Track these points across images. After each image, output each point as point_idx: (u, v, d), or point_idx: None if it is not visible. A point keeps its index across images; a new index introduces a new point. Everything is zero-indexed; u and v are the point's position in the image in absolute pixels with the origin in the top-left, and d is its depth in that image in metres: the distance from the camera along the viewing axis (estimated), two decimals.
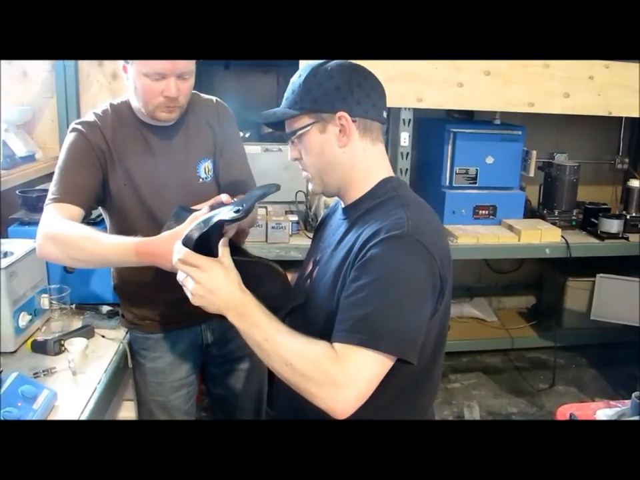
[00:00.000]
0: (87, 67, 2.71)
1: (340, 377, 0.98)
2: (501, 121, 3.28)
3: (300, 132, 1.12)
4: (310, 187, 1.20)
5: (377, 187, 1.16)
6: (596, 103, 2.93)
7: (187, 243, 1.07)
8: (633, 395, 1.48)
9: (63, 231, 1.39)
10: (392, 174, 1.19)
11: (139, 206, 1.58)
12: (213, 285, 1.04)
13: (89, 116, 1.59)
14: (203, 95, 1.72)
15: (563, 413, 1.55)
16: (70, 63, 2.65)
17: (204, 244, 1.08)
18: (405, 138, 2.79)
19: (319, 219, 1.42)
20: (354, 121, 1.11)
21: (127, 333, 1.80)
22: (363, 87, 1.12)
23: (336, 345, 1.00)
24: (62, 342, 1.63)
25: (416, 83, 2.74)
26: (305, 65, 1.14)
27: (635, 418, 1.41)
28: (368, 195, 1.16)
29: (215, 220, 1.09)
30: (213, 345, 1.79)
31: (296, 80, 1.14)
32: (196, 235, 1.07)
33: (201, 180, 1.64)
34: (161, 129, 1.59)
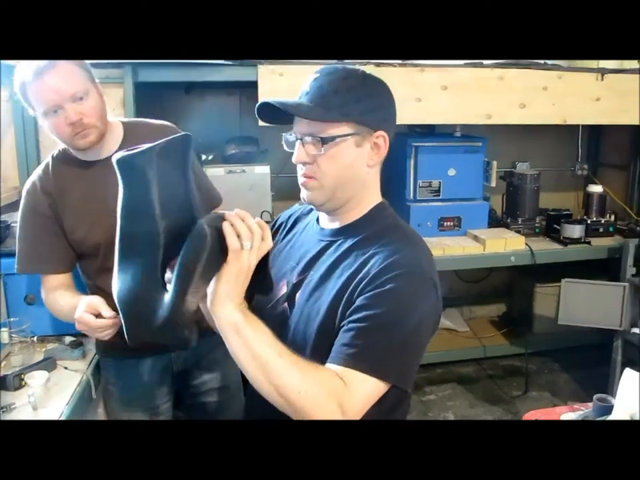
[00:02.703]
0: None
1: (348, 403, 0.96)
2: (463, 133, 3.34)
3: (338, 139, 1.05)
4: (308, 195, 1.11)
5: (374, 212, 1.14)
6: (551, 112, 2.99)
7: None
8: (594, 397, 1.50)
9: (49, 307, 1.61)
10: (381, 198, 1.18)
11: (98, 240, 1.56)
12: (243, 276, 0.96)
13: (32, 177, 1.62)
14: (153, 121, 1.73)
15: (529, 419, 1.56)
16: None
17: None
18: None
19: (273, 231, 1.30)
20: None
21: (91, 361, 1.79)
22: (394, 108, 1.12)
23: (341, 367, 0.98)
24: (22, 376, 1.60)
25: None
26: (345, 68, 1.08)
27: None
28: (365, 219, 1.14)
29: None
30: (186, 374, 1.79)
31: (337, 79, 1.05)
32: None
33: None
34: (103, 162, 1.56)
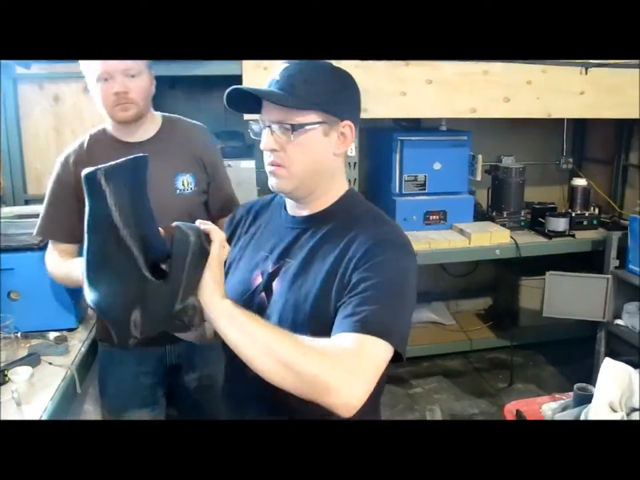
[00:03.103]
0: (28, 91, 2.67)
1: (358, 366, 0.95)
2: (449, 127, 3.36)
3: (308, 127, 1.07)
4: (276, 182, 1.12)
5: (346, 199, 1.17)
6: (535, 106, 3.01)
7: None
8: (575, 386, 1.52)
9: (50, 270, 1.73)
10: (348, 186, 1.21)
11: None
12: (220, 266, 1.02)
13: (66, 150, 1.74)
14: (187, 120, 1.85)
15: (510, 410, 1.58)
16: (9, 88, 2.61)
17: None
18: (351, 148, 2.82)
19: (233, 225, 1.33)
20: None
21: (75, 357, 1.79)
22: (360, 100, 1.16)
23: (349, 335, 0.97)
24: (5, 372, 1.59)
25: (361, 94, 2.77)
26: (314, 61, 1.11)
27: (575, 410, 1.45)
28: (339, 205, 1.16)
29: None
30: (179, 369, 1.82)
31: (308, 71, 1.09)
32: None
33: (178, 191, 1.72)
34: (138, 145, 1.66)
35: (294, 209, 1.20)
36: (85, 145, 1.71)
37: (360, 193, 1.24)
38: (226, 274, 1.22)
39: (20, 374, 1.58)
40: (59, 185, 1.71)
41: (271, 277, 1.16)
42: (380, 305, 1.01)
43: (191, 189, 1.74)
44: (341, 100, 1.11)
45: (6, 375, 1.59)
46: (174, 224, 1.01)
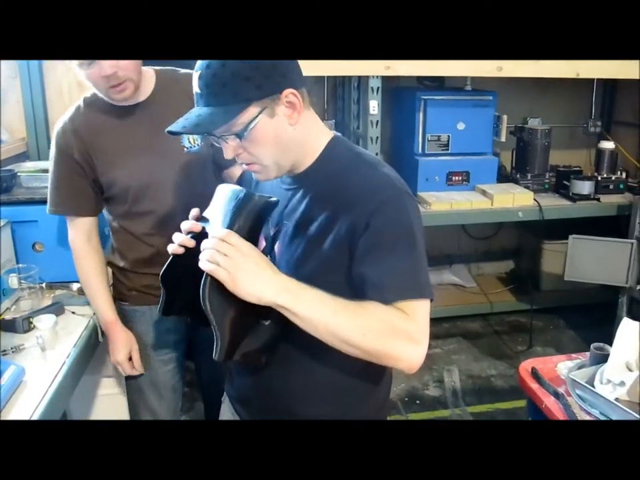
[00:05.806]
0: None
1: (415, 332, 1.01)
2: (474, 87, 3.29)
3: (251, 125, 1.02)
4: (258, 176, 1.14)
5: (329, 150, 1.14)
6: (564, 66, 2.93)
7: (234, 224, 1.02)
8: (592, 346, 1.52)
9: (77, 262, 1.71)
10: (332, 133, 1.17)
11: (129, 183, 1.61)
12: (260, 265, 0.99)
13: (62, 119, 1.63)
14: (182, 70, 1.70)
15: (526, 367, 1.59)
16: None
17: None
18: (373, 106, 2.79)
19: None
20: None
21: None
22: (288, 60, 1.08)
23: (397, 304, 1.01)
24: (31, 320, 1.64)
25: None
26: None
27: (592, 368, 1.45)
28: (322, 159, 1.13)
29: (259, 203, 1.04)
30: (199, 326, 1.81)
31: (218, 71, 1.01)
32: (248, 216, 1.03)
33: (185, 149, 1.65)
34: (137, 107, 1.60)
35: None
36: (82, 111, 1.62)
37: (346, 139, 1.19)
38: None
39: (44, 321, 1.63)
40: (61, 155, 1.62)
41: (273, 240, 1.17)
42: (407, 267, 1.03)
43: (198, 144, 1.67)
44: (266, 76, 1.02)
45: (31, 322, 1.65)
46: None
